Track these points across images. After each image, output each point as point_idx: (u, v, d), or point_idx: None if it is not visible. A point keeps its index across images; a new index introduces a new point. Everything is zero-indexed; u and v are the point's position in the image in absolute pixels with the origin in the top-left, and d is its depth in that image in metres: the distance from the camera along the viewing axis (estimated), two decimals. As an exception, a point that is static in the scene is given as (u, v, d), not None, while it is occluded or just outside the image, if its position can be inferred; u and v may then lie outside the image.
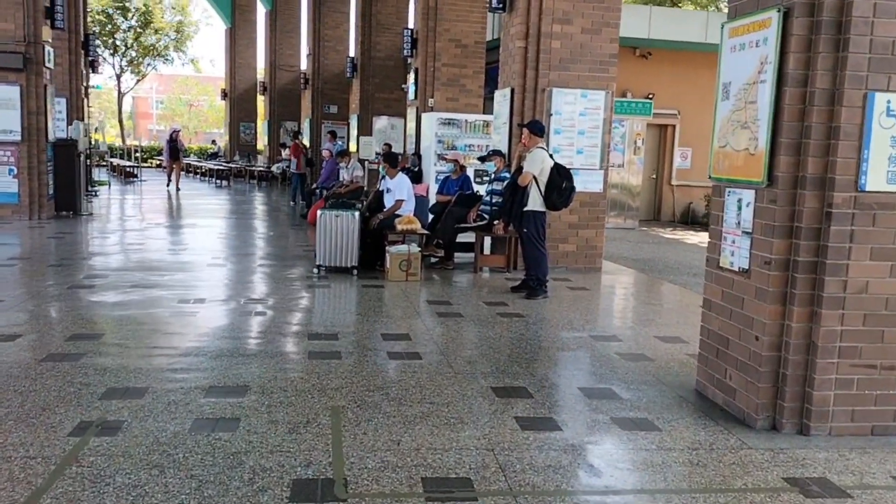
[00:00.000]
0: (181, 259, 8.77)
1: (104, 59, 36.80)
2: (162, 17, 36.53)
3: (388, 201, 8.77)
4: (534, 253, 7.33)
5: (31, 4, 11.48)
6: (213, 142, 36.58)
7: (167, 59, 37.92)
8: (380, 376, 4.58)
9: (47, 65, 11.87)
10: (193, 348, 4.99)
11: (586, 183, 8.88)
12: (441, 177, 10.91)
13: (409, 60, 15.00)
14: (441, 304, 6.86)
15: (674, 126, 17.23)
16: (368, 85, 18.19)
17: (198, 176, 26.06)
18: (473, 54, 13.79)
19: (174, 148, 20.06)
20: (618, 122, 13.76)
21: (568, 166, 7.49)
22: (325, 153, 14.36)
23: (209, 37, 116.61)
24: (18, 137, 11.55)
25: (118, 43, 35.83)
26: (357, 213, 8.04)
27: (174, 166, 20.04)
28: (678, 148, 17.28)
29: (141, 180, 22.76)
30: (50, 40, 11.94)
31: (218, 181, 22.95)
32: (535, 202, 7.24)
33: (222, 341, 5.22)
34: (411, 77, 14.27)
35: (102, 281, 7.19)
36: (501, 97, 9.23)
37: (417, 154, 13.62)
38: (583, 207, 8.92)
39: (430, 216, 9.78)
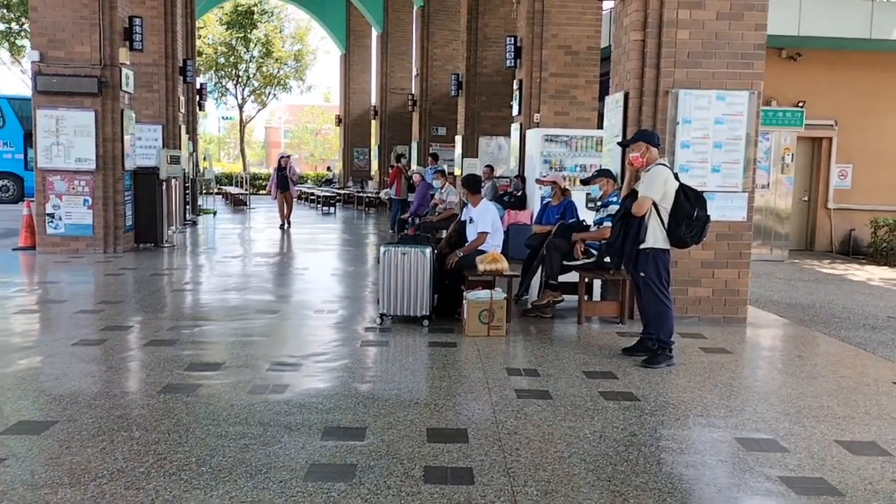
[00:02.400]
0: (227, 302, 7.53)
1: (227, 89, 37.80)
2: (282, 47, 36.97)
3: (471, 234, 7.17)
4: (654, 305, 5.48)
5: (107, 26, 10.84)
6: (329, 168, 36.45)
7: (286, 88, 38.33)
8: (397, 521, 2.94)
9: (125, 89, 11.19)
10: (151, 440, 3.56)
11: (724, 210, 6.91)
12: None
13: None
14: (526, 374, 5.13)
15: (830, 139, 14.60)
16: (474, 103, 16.73)
17: (308, 203, 25.57)
18: (586, 62, 12.01)
19: (283, 177, 15.74)
20: (762, 136, 11.50)
21: (699, 188, 5.60)
22: (415, 178, 12.95)
23: (327, 64, 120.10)
24: (93, 166, 10.89)
25: (240, 73, 36.54)
26: (429, 250, 6.48)
27: (285, 199, 15.83)
28: (836, 165, 14.61)
29: (250, 208, 22.41)
30: (128, 62, 11.27)
31: (325, 208, 22.20)
32: (655, 237, 5.41)
33: (192, 440, 3.76)
34: (515, 91, 12.64)
35: (107, 335, 6.00)
36: (613, 104, 7.43)
37: (520, 176, 11.96)
38: (720, 241, 6.93)
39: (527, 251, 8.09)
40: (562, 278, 7.14)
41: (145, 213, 12.04)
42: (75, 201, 10.95)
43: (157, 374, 4.89)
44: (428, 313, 6.49)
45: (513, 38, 12.52)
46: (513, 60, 12.46)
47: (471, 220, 7.18)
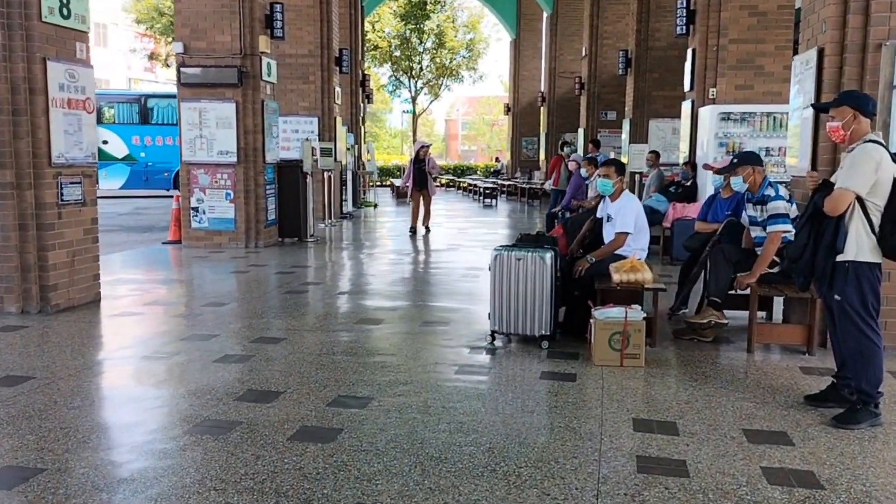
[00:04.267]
0: (332, 307, 6.75)
1: (401, 82, 38.11)
2: (454, 37, 36.59)
3: (609, 235, 5.82)
4: (855, 340, 3.88)
5: (247, 13, 10.56)
6: (497, 159, 35.57)
7: (459, 78, 37.92)
8: None
9: (266, 78, 10.88)
10: None
11: (965, 204, 5.00)
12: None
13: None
14: (660, 430, 3.78)
15: None
16: (644, 82, 15.00)
17: (470, 195, 24.85)
18: (776, 24, 9.98)
19: (421, 171, 12.89)
20: None
21: (929, 175, 3.89)
22: (571, 165, 11.56)
23: (499, 52, 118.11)
24: (235, 159, 10.69)
25: (414, 66, 36.63)
26: (549, 255, 5.24)
27: (422, 197, 13.03)
28: None
29: (408, 202, 22.04)
30: (269, 51, 10.94)
31: (487, 200, 21.30)
32: (859, 246, 3.81)
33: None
34: (688, 61, 10.85)
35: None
36: (802, 66, 5.72)
37: (690, 162, 10.23)
38: (957, 247, 5.03)
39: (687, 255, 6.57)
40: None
41: (289, 206, 11.74)
42: (218, 195, 10.82)
43: (201, 403, 4.12)
44: (549, 332, 5.27)
45: (685, 0, 10.73)
46: (684, 27, 10.70)
47: (608, 218, 5.83)
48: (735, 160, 5.50)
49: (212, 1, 10.52)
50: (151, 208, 19.47)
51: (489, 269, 5.41)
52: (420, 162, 12.95)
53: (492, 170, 32.20)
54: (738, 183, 5.52)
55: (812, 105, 4.35)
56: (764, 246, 5.24)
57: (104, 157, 24.51)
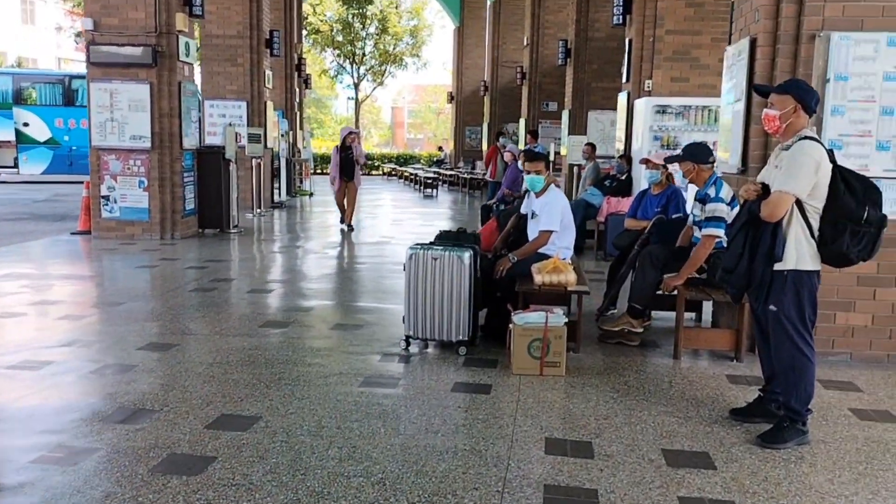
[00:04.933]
0: (240, 308, 6.25)
1: (344, 68, 37.30)
2: (398, 23, 35.94)
3: (532, 232, 5.46)
4: (788, 354, 3.60)
5: (163, -11, 9.86)
6: (440, 148, 35.10)
7: (403, 65, 37.30)
8: None
9: (183, 59, 10.20)
10: None
11: (895, 204, 4.83)
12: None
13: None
14: (573, 451, 3.44)
15: None
16: (583, 73, 14.73)
17: (411, 184, 24.38)
18: (712, 15, 9.79)
19: (348, 160, 11.52)
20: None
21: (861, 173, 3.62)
22: (506, 156, 11.21)
23: (443, 40, 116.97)
24: (149, 144, 10.00)
25: (357, 51, 35.84)
26: (468, 255, 4.86)
27: (347, 189, 11.74)
28: None
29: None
30: (186, 29, 10.26)
31: (427, 190, 20.87)
32: (799, 253, 3.52)
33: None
34: (626, 53, 10.59)
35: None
36: (733, 57, 5.46)
37: (625, 156, 9.99)
38: (887, 248, 4.83)
39: (616, 253, 6.29)
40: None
41: (211, 195, 11.10)
42: (130, 182, 10.13)
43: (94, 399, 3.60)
44: (467, 338, 4.90)
45: (621, -10, 10.46)
46: (621, 16, 10.43)
47: (533, 215, 5.47)
48: (682, 152, 5.18)
49: (124, -27, 9.79)
50: (72, 195, 18.42)
51: (404, 268, 5.00)
52: (346, 150, 11.55)
53: (435, 159, 31.77)
54: (678, 177, 5.22)
55: (754, 86, 4.00)
56: (695, 248, 4.96)
57: (25, 141, 23.23)
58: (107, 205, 10.16)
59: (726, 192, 4.91)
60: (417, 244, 5.02)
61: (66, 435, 3.47)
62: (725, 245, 4.38)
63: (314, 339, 5.31)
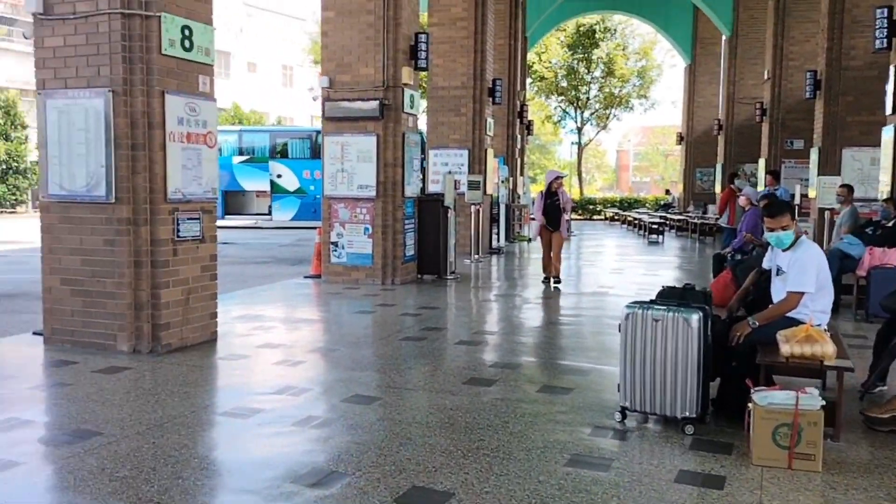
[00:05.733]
0: (443, 362, 6.00)
1: (567, 113, 37.21)
2: (625, 64, 35.17)
3: (778, 292, 4.62)
4: None
5: (391, 45, 10.26)
6: (667, 191, 33.43)
7: (629, 108, 36.34)
8: None
9: (408, 110, 10.50)
10: None
11: None
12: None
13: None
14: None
15: None
16: (836, 106, 13.08)
17: (635, 229, 23.31)
18: None
19: (554, 206, 10.35)
20: None
21: None
22: (741, 201, 10.07)
23: (671, 79, 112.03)
24: (374, 193, 10.37)
25: (581, 95, 35.59)
26: (696, 317, 4.18)
27: (552, 240, 10.47)
28: None
29: (570, 233, 20.99)
30: (412, 82, 10.58)
31: (652, 236, 19.77)
32: None
33: None
34: (891, 80, 9.11)
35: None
36: None
37: (892, 199, 8.50)
38: None
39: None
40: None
41: (430, 242, 11.25)
42: (356, 230, 10.54)
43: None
44: (694, 414, 4.19)
45: (885, 10, 9.04)
46: (884, 40, 9.00)
47: (778, 271, 4.64)
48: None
49: (357, 34, 10.34)
50: (312, 240, 19.91)
51: (619, 329, 4.43)
52: (552, 196, 10.44)
53: (661, 203, 30.31)
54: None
55: None
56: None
57: (277, 191, 25.79)
58: (335, 250, 10.66)
59: None
60: (636, 302, 4.44)
61: (259, 497, 3.36)
62: None
63: (519, 402, 4.89)
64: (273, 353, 6.28)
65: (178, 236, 6.27)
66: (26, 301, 8.96)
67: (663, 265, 13.86)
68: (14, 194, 31.96)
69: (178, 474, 3.60)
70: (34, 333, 6.66)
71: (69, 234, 6.24)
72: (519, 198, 19.61)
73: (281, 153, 26.02)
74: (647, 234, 20.17)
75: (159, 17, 5.93)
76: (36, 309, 6.66)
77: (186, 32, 6.20)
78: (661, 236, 19.86)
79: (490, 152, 15.33)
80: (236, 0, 46.34)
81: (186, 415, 4.54)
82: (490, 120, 15.38)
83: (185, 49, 6.21)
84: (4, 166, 31.52)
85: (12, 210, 31.87)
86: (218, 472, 3.69)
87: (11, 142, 31.68)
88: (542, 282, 10.68)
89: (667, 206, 28.64)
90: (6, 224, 25.25)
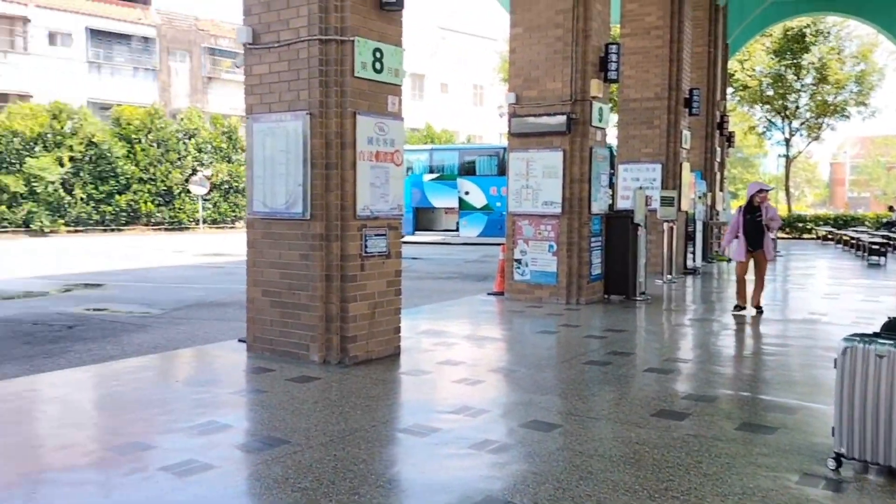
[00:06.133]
0: (632, 389, 5.61)
1: (773, 123, 34.64)
2: (840, 69, 32.05)
3: None
4: None
5: (580, 57, 10.03)
6: (891, 208, 29.79)
7: (845, 116, 33.02)
8: None
9: (596, 124, 10.20)
10: None
11: None
12: None
13: None
14: None
15: None
16: None
17: (851, 250, 21.00)
18: None
19: (755, 223, 9.24)
20: None
21: None
22: None
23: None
24: (559, 210, 10.15)
25: (788, 104, 32.93)
26: (935, 357, 3.54)
27: (755, 261, 9.38)
28: None
29: (775, 251, 19.38)
30: (601, 95, 10.26)
31: (872, 257, 17.71)
32: None
33: None
34: None
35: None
36: None
37: None
38: None
39: None
40: None
41: (617, 261, 10.81)
42: (541, 247, 10.38)
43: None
44: (932, 470, 3.56)
45: None
46: None
47: None
48: None
49: (544, 48, 10.23)
50: (497, 257, 20.02)
51: (835, 364, 3.88)
52: (754, 211, 9.29)
53: (884, 220, 27.17)
54: None
55: None
56: None
57: (465, 207, 26.34)
58: (519, 268, 10.56)
59: None
60: (855, 335, 3.86)
61: (430, 520, 3.28)
62: None
63: (715, 440, 4.44)
64: (454, 370, 6.27)
65: (366, 252, 6.46)
66: (235, 310, 9.72)
67: (886, 290, 12.30)
68: (234, 211, 35.41)
69: (356, 490, 3.62)
70: (239, 340, 7.17)
71: (270, 249, 6.65)
72: (718, 214, 18.43)
73: (469, 170, 26.56)
74: (866, 254, 18.11)
75: (353, 41, 6.17)
76: (242, 317, 7.16)
77: (378, 55, 6.40)
78: (883, 257, 17.73)
79: (686, 166, 14.53)
80: (431, 23, 48.23)
81: (367, 429, 4.60)
82: (686, 132, 14.59)
83: (375, 71, 6.41)
84: (227, 186, 35.02)
85: (232, 226, 35.28)
86: (393, 491, 3.67)
87: (233, 163, 35.15)
88: (733, 311, 9.51)
89: (890, 225, 25.58)
90: (227, 238, 27.97)
